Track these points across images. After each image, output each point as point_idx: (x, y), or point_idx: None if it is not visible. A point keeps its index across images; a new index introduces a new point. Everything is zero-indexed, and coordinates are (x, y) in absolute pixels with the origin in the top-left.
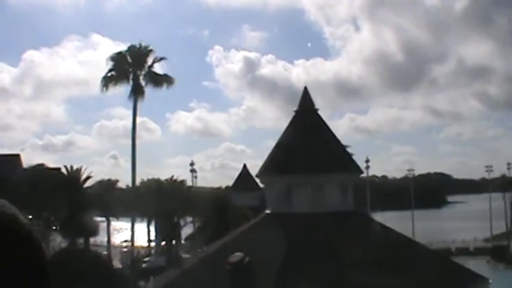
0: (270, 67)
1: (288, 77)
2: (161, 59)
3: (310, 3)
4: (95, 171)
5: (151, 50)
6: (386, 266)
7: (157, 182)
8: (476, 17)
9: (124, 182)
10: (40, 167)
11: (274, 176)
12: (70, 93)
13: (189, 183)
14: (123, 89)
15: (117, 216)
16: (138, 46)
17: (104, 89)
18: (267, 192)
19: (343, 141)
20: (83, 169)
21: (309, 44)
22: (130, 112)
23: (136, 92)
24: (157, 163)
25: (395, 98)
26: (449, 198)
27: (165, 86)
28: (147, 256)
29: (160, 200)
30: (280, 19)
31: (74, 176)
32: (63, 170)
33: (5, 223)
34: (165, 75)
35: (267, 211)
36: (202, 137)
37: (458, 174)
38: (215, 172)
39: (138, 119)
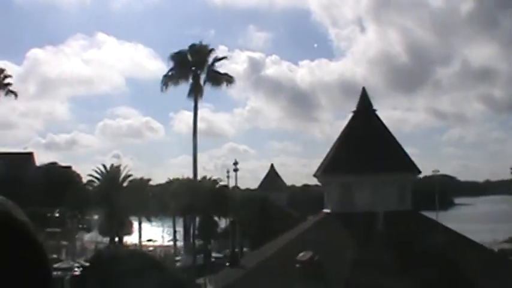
0: (275, 68)
1: (292, 77)
2: (222, 58)
3: (316, 4)
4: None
5: (212, 50)
6: (457, 265)
7: (190, 180)
8: (481, 19)
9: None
10: (53, 165)
11: (334, 175)
12: (74, 91)
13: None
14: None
15: (151, 215)
16: (199, 45)
17: (164, 87)
18: (326, 191)
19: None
20: (121, 168)
21: (316, 45)
22: (132, 111)
23: (196, 91)
24: (159, 162)
25: (400, 100)
26: (456, 200)
27: (224, 84)
28: (176, 255)
29: (198, 198)
30: (286, 20)
31: (113, 175)
32: (102, 169)
33: (4, 222)
34: (226, 74)
35: (326, 210)
36: (206, 137)
37: (461, 176)
38: (217, 172)
39: (143, 119)
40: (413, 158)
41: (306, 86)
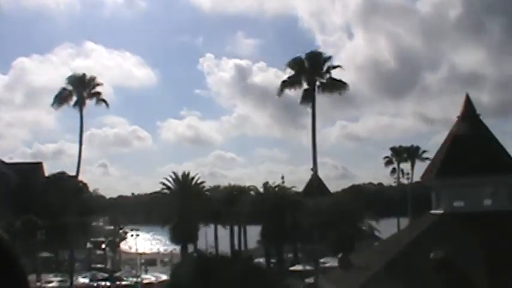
0: (262, 75)
1: (279, 84)
2: (336, 66)
3: (304, 11)
4: (84, 180)
5: (329, 57)
6: None
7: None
8: (468, 24)
9: (116, 190)
10: (62, 175)
11: (448, 177)
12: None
13: None
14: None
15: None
16: (316, 52)
17: (280, 92)
18: (436, 193)
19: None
20: (196, 177)
21: (299, 54)
22: (120, 120)
23: (309, 97)
24: (147, 171)
25: (387, 105)
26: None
27: (338, 91)
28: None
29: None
30: (274, 26)
31: (185, 183)
32: (179, 178)
33: None
34: (341, 81)
35: (436, 211)
36: (193, 145)
37: None
38: (205, 180)
39: (132, 127)
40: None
41: (293, 93)
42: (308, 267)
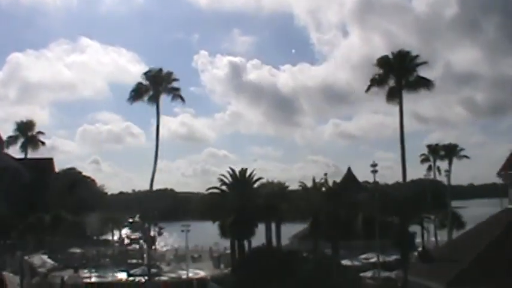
0: (256, 72)
1: (273, 82)
2: (422, 63)
3: (300, 9)
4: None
5: (417, 56)
6: None
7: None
8: (463, 24)
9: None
10: (71, 171)
11: None
12: (56, 96)
13: None
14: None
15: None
16: (404, 51)
17: (368, 90)
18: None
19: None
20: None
21: (293, 51)
22: (115, 117)
23: (395, 95)
24: (139, 168)
25: (381, 104)
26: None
27: (424, 90)
28: None
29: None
30: (270, 24)
31: (243, 177)
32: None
33: None
34: (427, 80)
35: None
36: (186, 142)
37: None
38: (197, 177)
39: (125, 124)
40: (392, 163)
41: (287, 91)
42: (356, 263)
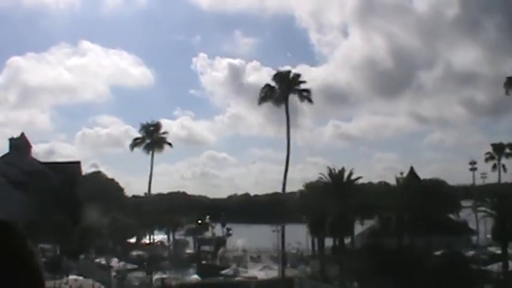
0: (256, 74)
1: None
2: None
3: (302, 10)
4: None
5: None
6: None
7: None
8: (465, 24)
9: None
10: (98, 174)
11: None
12: (56, 100)
13: None
14: None
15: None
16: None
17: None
18: None
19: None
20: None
21: (289, 55)
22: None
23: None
24: (138, 171)
25: (381, 105)
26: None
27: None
28: None
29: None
30: (272, 25)
31: (338, 177)
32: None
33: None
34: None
35: None
36: (186, 145)
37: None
38: (195, 180)
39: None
40: (393, 163)
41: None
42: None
